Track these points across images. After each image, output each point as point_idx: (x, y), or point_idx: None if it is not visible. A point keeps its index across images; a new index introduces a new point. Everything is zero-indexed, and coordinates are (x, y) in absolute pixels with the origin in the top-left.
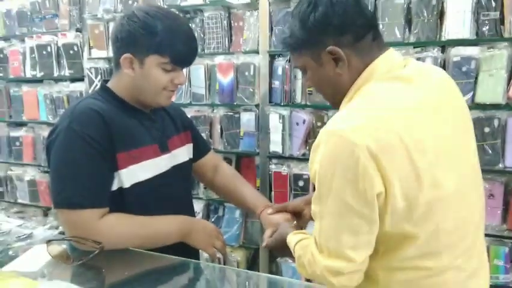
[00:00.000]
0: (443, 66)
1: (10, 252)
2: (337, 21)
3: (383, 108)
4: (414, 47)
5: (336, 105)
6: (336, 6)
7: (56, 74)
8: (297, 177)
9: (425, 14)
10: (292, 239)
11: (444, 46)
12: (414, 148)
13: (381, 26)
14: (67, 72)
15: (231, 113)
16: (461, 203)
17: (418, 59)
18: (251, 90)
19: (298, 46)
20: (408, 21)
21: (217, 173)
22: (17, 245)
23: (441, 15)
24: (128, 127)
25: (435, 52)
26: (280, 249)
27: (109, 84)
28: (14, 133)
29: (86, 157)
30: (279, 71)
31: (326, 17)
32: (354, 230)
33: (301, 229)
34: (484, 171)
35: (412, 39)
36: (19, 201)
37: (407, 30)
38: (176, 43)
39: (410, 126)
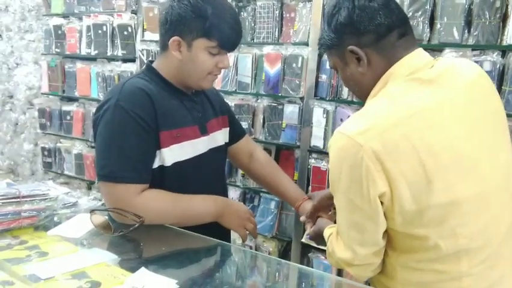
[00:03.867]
0: (502, 71)
1: (55, 218)
2: (356, 22)
3: (394, 111)
4: (472, 50)
5: (363, 100)
6: (356, 8)
7: (109, 53)
8: None
9: (487, 16)
10: (326, 233)
11: (505, 51)
12: (425, 151)
13: (438, 26)
14: (119, 52)
15: (275, 104)
16: (484, 208)
17: (476, 62)
18: (297, 82)
19: (327, 46)
20: (468, 23)
21: (253, 159)
22: (62, 211)
23: (504, 18)
24: (172, 107)
25: (494, 56)
26: (321, 240)
27: (154, 65)
28: (66, 107)
29: (132, 134)
30: (327, 65)
31: (347, 17)
32: (360, 228)
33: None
34: None
35: (471, 42)
36: (65, 172)
37: (466, 31)
38: (224, 28)
39: (421, 128)
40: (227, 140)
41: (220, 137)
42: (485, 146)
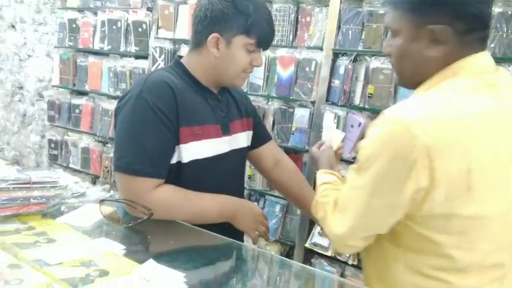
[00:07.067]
0: None
1: (62, 208)
2: (460, 4)
3: (456, 109)
4: None
5: (406, 83)
6: None
7: (122, 49)
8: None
9: (504, 29)
10: (321, 177)
11: None
12: (475, 157)
13: None
14: (132, 48)
15: (285, 107)
16: (506, 228)
17: None
18: (309, 86)
19: (405, 8)
20: None
21: (279, 167)
22: (70, 201)
23: None
24: (195, 104)
25: (511, 69)
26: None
27: (182, 61)
28: (75, 101)
29: (152, 127)
30: (341, 70)
31: None
32: (374, 214)
33: None
34: None
35: None
36: (71, 165)
37: None
38: (263, 25)
39: (477, 133)
40: (249, 143)
41: (243, 138)
42: None
